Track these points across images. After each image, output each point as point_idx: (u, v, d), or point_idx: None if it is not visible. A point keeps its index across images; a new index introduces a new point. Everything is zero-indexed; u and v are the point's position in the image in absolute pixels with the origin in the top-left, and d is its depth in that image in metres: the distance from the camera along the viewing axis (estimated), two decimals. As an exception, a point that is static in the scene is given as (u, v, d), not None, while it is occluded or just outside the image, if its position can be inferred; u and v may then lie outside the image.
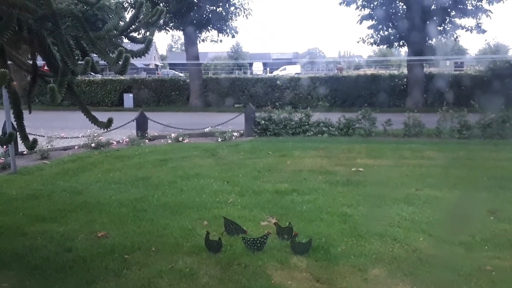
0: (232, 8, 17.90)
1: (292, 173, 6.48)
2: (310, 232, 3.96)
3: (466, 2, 16.61)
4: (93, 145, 8.53)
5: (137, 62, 38.50)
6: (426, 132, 9.67)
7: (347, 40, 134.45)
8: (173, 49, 75.61)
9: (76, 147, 8.65)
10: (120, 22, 3.28)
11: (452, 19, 17.05)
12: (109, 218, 4.50)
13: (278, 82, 18.05)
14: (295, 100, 16.87)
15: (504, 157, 7.42)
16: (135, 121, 9.88)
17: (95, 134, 8.68)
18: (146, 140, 9.47)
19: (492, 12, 16.56)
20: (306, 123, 9.99)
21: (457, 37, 18.21)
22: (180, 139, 9.56)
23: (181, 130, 10.05)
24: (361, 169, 6.64)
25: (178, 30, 18.25)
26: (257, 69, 47.20)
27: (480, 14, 16.66)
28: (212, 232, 3.74)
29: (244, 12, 18.10)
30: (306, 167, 6.86)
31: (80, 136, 9.10)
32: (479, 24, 16.92)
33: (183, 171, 6.63)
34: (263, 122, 10.10)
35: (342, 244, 3.78)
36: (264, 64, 50.85)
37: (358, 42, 20.68)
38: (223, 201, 5.09)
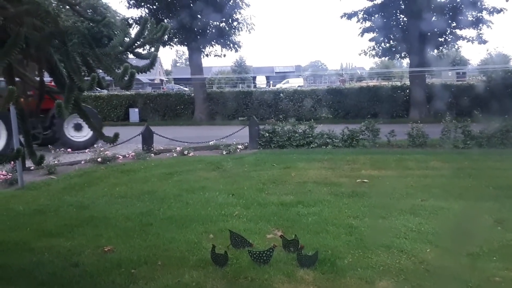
0: (235, 23, 18.14)
1: (297, 185, 6.48)
2: (316, 245, 3.94)
3: (467, 13, 16.73)
4: (99, 159, 8.58)
5: (142, 77, 38.91)
6: (430, 143, 9.65)
7: (349, 52, 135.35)
8: (178, 64, 76.38)
9: (82, 162, 8.70)
10: (126, 39, 3.34)
11: (453, 30, 17.16)
12: (115, 232, 4.51)
13: (281, 95, 18.16)
14: (298, 113, 16.93)
15: (509, 166, 7.39)
16: (140, 135, 9.94)
17: (102, 149, 8.74)
18: (152, 154, 9.51)
19: (492, 23, 16.66)
20: (310, 135, 10.01)
21: (458, 48, 18.30)
22: (185, 152, 9.60)
23: (186, 144, 10.10)
24: (366, 180, 6.62)
25: (182, 45, 18.49)
26: (261, 82, 47.47)
27: (480, 25, 16.74)
28: (218, 246, 3.73)
29: (247, 27, 18.33)
30: (310, 179, 6.86)
31: (86, 151, 9.16)
32: (480, 35, 17.00)
33: (188, 184, 6.64)
34: (267, 134, 10.13)
35: (349, 256, 3.76)
36: (267, 77, 51.18)
37: (360, 55, 20.86)
38: (228, 214, 5.09)
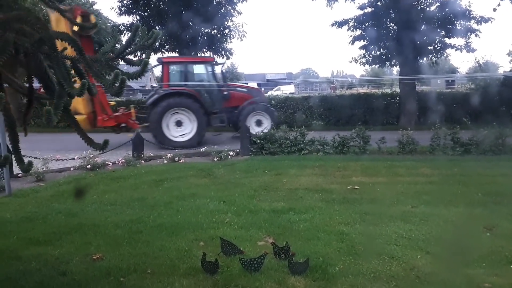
0: (226, 31, 18.20)
1: (288, 192, 6.48)
2: (307, 252, 3.94)
3: (455, 22, 17.01)
4: (88, 166, 8.50)
5: (133, 83, 38.71)
6: (420, 150, 9.74)
7: (339, 60, 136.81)
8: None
9: (71, 168, 8.61)
10: (117, 45, 3.33)
11: (442, 39, 17.42)
12: (104, 240, 4.45)
13: (272, 101, 18.21)
14: (290, 119, 16.99)
15: (497, 173, 7.47)
16: (131, 142, 9.88)
17: (91, 156, 8.66)
18: (142, 161, 9.45)
19: (480, 32, 16.95)
20: (301, 142, 10.04)
21: (447, 56, 18.56)
22: (176, 159, 9.56)
23: (177, 150, 10.06)
24: (356, 187, 6.65)
25: (174, 52, 18.49)
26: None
27: (469, 33, 17.03)
28: (208, 253, 3.70)
29: (239, 34, 18.41)
30: (302, 185, 6.87)
31: (75, 157, 9.07)
32: (469, 43, 17.27)
33: (179, 191, 6.60)
34: (258, 141, 10.14)
35: (340, 263, 3.76)
36: (259, 84, 51.28)
37: (350, 62, 21.03)
38: (219, 221, 5.06)
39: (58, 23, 10.62)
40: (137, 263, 3.81)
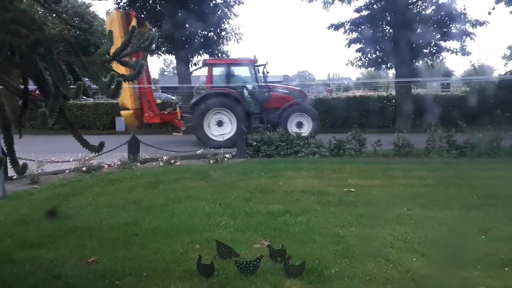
0: (223, 33, 18.21)
1: (285, 194, 6.48)
2: (303, 254, 3.94)
3: (451, 25, 17.12)
4: (84, 168, 8.46)
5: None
6: (415, 152, 9.77)
7: (335, 62, 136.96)
8: (165, 73, 76.13)
9: (67, 171, 8.57)
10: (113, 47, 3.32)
11: (438, 42, 17.53)
12: (99, 243, 4.43)
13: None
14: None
15: (492, 175, 7.51)
16: (127, 144, 9.85)
17: (86, 158, 8.62)
18: (138, 163, 9.42)
19: (475, 35, 17.08)
20: (297, 144, 10.05)
21: (442, 59, 18.67)
22: (172, 161, 9.54)
23: (173, 153, 10.04)
24: (352, 190, 6.66)
25: (170, 54, 18.48)
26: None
27: (464, 37, 17.16)
28: (204, 256, 3.70)
29: (235, 37, 18.43)
30: (298, 188, 6.87)
31: (71, 160, 9.03)
32: (464, 47, 17.40)
33: (174, 193, 6.59)
34: (255, 143, 10.14)
35: (336, 266, 3.76)
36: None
37: (346, 65, 21.17)
38: (215, 223, 5.05)
39: (111, 25, 11.76)
40: (133, 266, 3.80)
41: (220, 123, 12.49)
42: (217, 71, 13.33)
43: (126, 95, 12.45)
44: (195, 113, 12.45)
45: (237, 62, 13.81)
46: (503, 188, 6.61)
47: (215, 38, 18.11)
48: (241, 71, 13.54)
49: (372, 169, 8.20)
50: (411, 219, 5.12)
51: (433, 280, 3.52)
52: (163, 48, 17.74)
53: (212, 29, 17.71)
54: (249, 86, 13.20)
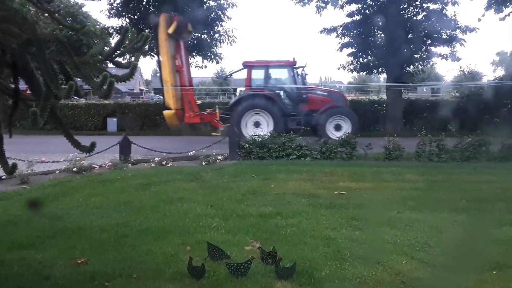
0: (216, 35, 18.23)
1: (276, 196, 6.49)
2: (294, 256, 3.95)
3: (441, 31, 17.34)
4: (74, 169, 8.39)
5: (121, 86, 38.43)
6: (406, 156, 9.86)
7: (328, 66, 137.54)
8: (158, 74, 75.85)
9: (57, 171, 8.48)
10: (105, 48, 3.32)
11: (428, 47, 17.74)
12: (89, 244, 4.40)
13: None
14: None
15: (481, 179, 7.60)
16: (118, 145, 9.79)
17: (77, 158, 8.55)
18: (129, 164, 9.37)
19: (465, 41, 17.32)
20: (289, 147, 10.08)
21: (433, 64, 18.88)
22: (164, 163, 9.50)
23: (164, 154, 10.00)
24: (343, 192, 6.70)
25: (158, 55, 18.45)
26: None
27: (454, 42, 17.38)
28: (195, 258, 3.69)
29: (229, 39, 18.46)
30: (290, 190, 6.89)
31: (61, 160, 8.95)
32: (454, 52, 17.62)
33: (166, 195, 6.56)
34: (247, 145, 10.15)
35: (326, 268, 3.78)
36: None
37: (338, 69, 21.23)
38: (206, 225, 5.05)
39: (158, 28, 12.23)
40: (123, 267, 3.78)
41: (257, 124, 12.79)
42: (256, 72, 13.45)
43: (169, 96, 12.92)
44: (233, 114, 12.76)
45: (276, 64, 13.91)
46: (492, 192, 6.69)
47: (208, 40, 18.11)
48: (280, 73, 13.70)
49: (363, 172, 8.26)
50: (401, 222, 5.16)
51: (423, 283, 3.56)
52: (156, 50, 17.67)
53: (205, 31, 17.71)
54: (287, 88, 13.34)
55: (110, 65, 3.29)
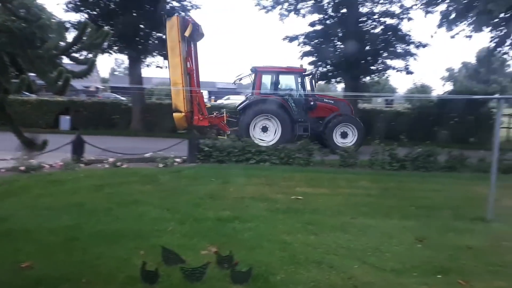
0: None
1: (235, 201, 6.49)
2: (250, 260, 3.95)
3: (396, 45, 18.18)
4: (22, 168, 7.94)
5: (76, 83, 36.86)
6: (360, 163, 10.20)
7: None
8: (116, 73, 73.65)
9: (3, 170, 7.99)
10: (61, 42, 3.18)
11: (384, 60, 18.52)
12: (36, 247, 4.17)
13: (223, 110, 18.20)
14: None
15: (429, 188, 8.01)
16: (71, 144, 9.38)
17: (25, 157, 8.09)
18: (82, 165, 9.01)
19: (418, 56, 18.27)
20: (249, 151, 10.12)
21: (388, 77, 19.73)
22: (119, 164, 9.22)
23: (120, 155, 9.71)
24: (300, 197, 6.81)
25: (122, 54, 17.93)
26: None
27: (408, 57, 18.27)
28: (149, 262, 3.60)
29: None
30: (248, 194, 6.91)
31: (9, 158, 8.43)
32: (407, 66, 18.52)
33: (120, 197, 6.36)
34: (206, 149, 10.08)
35: (282, 272, 3.82)
36: (209, 92, 51.04)
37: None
38: (162, 229, 4.94)
39: (172, 29, 12.39)
40: (72, 271, 3.61)
41: (264, 129, 12.90)
42: (266, 78, 13.65)
43: (180, 98, 12.82)
44: (242, 118, 12.79)
45: (286, 71, 14.08)
46: (439, 200, 7.06)
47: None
48: (289, 79, 13.91)
49: (319, 178, 8.45)
50: (355, 227, 5.33)
51: (373, 286, 3.68)
52: (115, 47, 17.15)
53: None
54: (296, 94, 13.53)
55: (65, 61, 3.15)
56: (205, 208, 5.99)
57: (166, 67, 18.81)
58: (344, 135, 13.18)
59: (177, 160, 9.81)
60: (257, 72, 13.54)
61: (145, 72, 20.07)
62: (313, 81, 13.91)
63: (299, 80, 13.65)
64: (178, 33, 12.43)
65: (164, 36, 17.53)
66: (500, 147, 6.17)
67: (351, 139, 12.98)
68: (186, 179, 7.99)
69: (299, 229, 5.13)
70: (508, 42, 12.22)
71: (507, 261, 4.35)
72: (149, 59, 18.21)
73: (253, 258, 4.06)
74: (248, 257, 4.07)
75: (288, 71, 14.14)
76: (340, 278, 3.81)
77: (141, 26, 16.84)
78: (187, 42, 13.40)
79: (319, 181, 8.16)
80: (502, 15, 10.50)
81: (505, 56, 13.47)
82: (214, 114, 14.18)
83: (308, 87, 13.78)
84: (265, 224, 5.30)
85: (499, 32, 12.44)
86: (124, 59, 49.23)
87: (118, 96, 34.29)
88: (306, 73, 14.03)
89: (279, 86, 13.51)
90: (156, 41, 17.51)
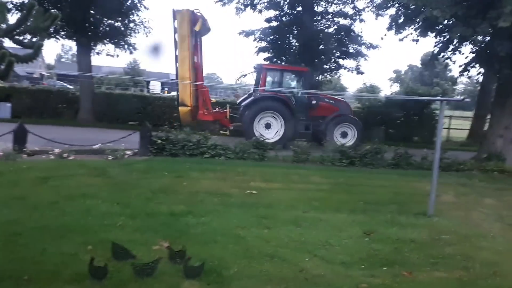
0: (131, 24, 17.35)
1: (188, 195, 6.40)
2: (204, 255, 3.93)
3: (348, 46, 18.78)
4: (-46, 158, 7.33)
5: (19, 69, 34.50)
6: (312, 159, 10.45)
7: (245, 68, 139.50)
8: (63, 59, 69.88)
9: None
10: (3, 25, 2.95)
11: (337, 59, 19.07)
12: (-29, 243, 3.87)
13: (176, 102, 17.85)
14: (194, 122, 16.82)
15: (377, 184, 8.37)
16: (12, 133, 8.78)
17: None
18: (24, 155, 8.46)
19: (369, 57, 18.99)
20: (204, 145, 10.02)
21: (339, 76, 20.36)
22: (65, 155, 8.76)
23: (66, 146, 9.23)
24: (254, 192, 6.86)
25: (70, 40, 17.01)
26: (155, 87, 46.02)
27: (359, 57, 18.94)
28: (98, 258, 3.46)
29: (144, 30, 17.69)
30: (202, 188, 6.85)
31: None
32: (358, 66, 19.21)
33: (67, 191, 6.07)
34: (159, 141, 9.84)
35: (235, 266, 3.84)
36: (162, 84, 49.85)
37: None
38: (111, 224, 4.78)
39: (182, 23, 12.59)
40: (13, 268, 3.40)
41: (268, 126, 13.11)
42: (271, 75, 13.80)
43: (187, 92, 12.91)
44: (247, 114, 12.92)
45: (290, 69, 14.69)
46: (385, 195, 7.41)
47: (123, 28, 17.17)
48: (293, 78, 14.27)
49: (273, 173, 8.55)
50: (306, 221, 5.46)
51: (323, 279, 3.80)
52: (63, 32, 16.22)
53: (120, 18, 16.76)
54: (299, 93, 13.79)
55: (8, 44, 2.93)
56: (158, 202, 5.86)
57: (117, 55, 18.17)
58: (344, 134, 13.65)
59: (128, 152, 9.49)
60: (263, 69, 13.81)
61: (95, 60, 19.17)
62: (317, 80, 14.45)
63: (303, 79, 14.05)
64: (188, 27, 12.55)
65: (117, 24, 16.97)
66: (441, 146, 6.56)
67: (350, 139, 13.45)
68: (138, 172, 7.77)
69: (253, 223, 5.17)
70: (451, 47, 12.98)
71: (446, 253, 4.66)
72: (99, 47, 17.42)
73: (206, 253, 4.04)
74: (201, 252, 4.05)
75: (293, 69, 14.73)
76: (292, 271, 3.89)
77: (92, 12, 16.06)
78: (196, 37, 13.48)
79: (273, 176, 8.26)
80: (446, 21, 11.12)
81: (447, 60, 14.29)
82: (216, 109, 14.33)
83: (309, 86, 14.29)
84: (219, 218, 5.29)
85: (442, 37, 13.18)
86: (72, 45, 46.83)
87: (64, 84, 32.60)
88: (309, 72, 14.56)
89: (283, 84, 13.86)
90: (107, 28, 16.79)
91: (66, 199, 5.61)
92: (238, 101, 15.14)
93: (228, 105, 14.79)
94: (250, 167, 9.01)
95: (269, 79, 13.94)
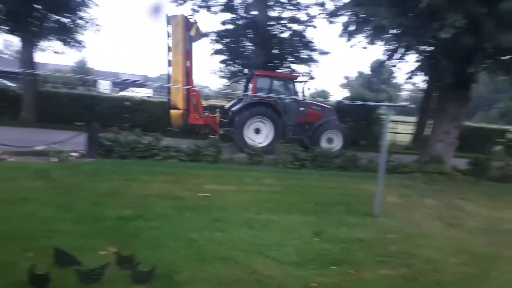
0: (80, 21, 16.62)
1: (138, 198, 6.22)
2: (154, 260, 3.83)
3: (301, 51, 19.23)
4: None
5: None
6: (265, 162, 10.56)
7: (200, 70, 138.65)
8: (4, 55, 65.48)
9: None
10: None
11: (289, 64, 19.46)
12: None
13: (127, 103, 17.31)
14: (146, 123, 16.33)
15: (326, 186, 8.60)
16: None
17: None
18: (-44, 157, 7.82)
19: (320, 63, 19.60)
20: (155, 147, 9.78)
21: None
22: (4, 157, 8.20)
23: (6, 147, 8.64)
24: (208, 195, 6.81)
25: (12, 34, 15.97)
26: (104, 87, 44.41)
27: (311, 63, 19.45)
28: (39, 265, 3.27)
29: (94, 27, 17.02)
30: (153, 192, 6.68)
31: None
32: (310, 71, 19.73)
33: (5, 194, 5.68)
34: (108, 143, 9.48)
35: (187, 270, 3.79)
36: (112, 83, 48.21)
37: (210, 74, 21.77)
38: (55, 229, 4.54)
39: (176, 28, 12.62)
40: None
41: (257, 131, 13.24)
42: (262, 82, 13.80)
43: (180, 96, 12.82)
44: (238, 119, 13.00)
45: (280, 76, 15.07)
46: (334, 197, 7.63)
47: (71, 25, 16.40)
48: (283, 85, 14.29)
49: (227, 175, 8.53)
50: (259, 223, 5.50)
51: (275, 280, 3.84)
52: (5, 27, 15.19)
53: (67, 14, 16.01)
54: (288, 99, 13.97)
55: None
56: (105, 206, 5.65)
57: (64, 53, 17.32)
58: (330, 140, 13.92)
59: (74, 154, 9.06)
60: (254, 75, 13.99)
61: (40, 57, 18.14)
62: (303, 88, 14.61)
63: (292, 86, 14.26)
64: (182, 32, 12.64)
65: (64, 20, 16.18)
66: (387, 150, 6.88)
67: (336, 144, 13.75)
68: (84, 175, 7.44)
69: (206, 226, 5.13)
70: (398, 55, 13.65)
71: (391, 251, 4.89)
72: (45, 43, 16.52)
73: (157, 257, 3.95)
74: (152, 257, 3.95)
75: (282, 77, 15.13)
76: (244, 272, 3.90)
77: (36, 6, 15.19)
78: (189, 42, 13.47)
79: (227, 179, 8.24)
80: (394, 31, 11.67)
81: (393, 68, 15.08)
82: (206, 113, 14.36)
83: (298, 93, 14.43)
84: (171, 222, 5.19)
85: (390, 46, 13.84)
86: (14, 40, 44.03)
87: (5, 81, 30.53)
88: (297, 80, 14.73)
89: (274, 90, 14.03)
90: (55, 25, 15.97)
91: (4, 204, 5.26)
92: (226, 106, 15.32)
93: (218, 110, 14.87)
94: (203, 169, 8.93)
95: (259, 85, 14.10)
